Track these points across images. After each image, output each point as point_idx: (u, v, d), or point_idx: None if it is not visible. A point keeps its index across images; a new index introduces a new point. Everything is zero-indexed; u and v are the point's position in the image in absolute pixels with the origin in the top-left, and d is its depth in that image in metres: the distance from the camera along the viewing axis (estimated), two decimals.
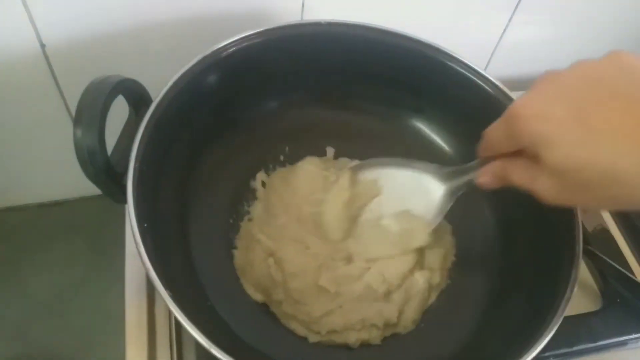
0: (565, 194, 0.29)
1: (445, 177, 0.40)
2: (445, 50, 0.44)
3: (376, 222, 0.42)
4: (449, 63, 0.44)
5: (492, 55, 0.61)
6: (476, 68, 0.44)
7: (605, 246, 0.50)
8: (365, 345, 0.38)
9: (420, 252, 0.42)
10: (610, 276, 0.47)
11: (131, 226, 0.32)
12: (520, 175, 0.31)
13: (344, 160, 0.47)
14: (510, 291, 0.40)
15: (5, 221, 0.62)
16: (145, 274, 0.43)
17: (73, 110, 0.53)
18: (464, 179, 0.39)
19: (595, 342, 0.43)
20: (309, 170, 0.45)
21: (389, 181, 0.42)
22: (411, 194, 0.41)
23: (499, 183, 0.34)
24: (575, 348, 0.43)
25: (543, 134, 0.27)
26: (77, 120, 0.32)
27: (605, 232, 0.52)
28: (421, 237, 0.41)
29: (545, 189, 0.29)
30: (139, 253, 0.31)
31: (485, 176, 0.35)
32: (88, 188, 0.62)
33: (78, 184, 0.63)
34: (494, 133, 0.32)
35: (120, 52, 0.48)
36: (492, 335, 0.38)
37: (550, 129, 0.27)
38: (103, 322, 0.58)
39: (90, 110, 0.33)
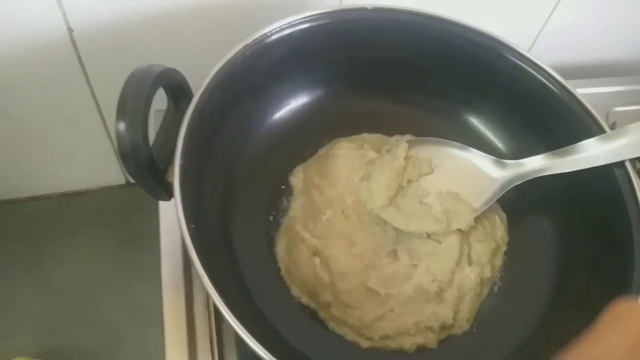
0: None
1: (500, 169, 0.41)
2: (498, 37, 0.42)
3: (422, 197, 0.42)
4: (502, 52, 0.42)
5: (535, 41, 0.58)
6: (530, 57, 0.42)
7: None
8: (420, 349, 0.37)
9: (467, 243, 0.41)
10: None
11: (180, 228, 0.30)
12: None
13: (396, 138, 0.45)
14: (571, 295, 0.38)
15: (27, 212, 0.60)
16: (182, 272, 0.42)
17: (99, 97, 0.51)
18: (519, 173, 0.40)
19: None
20: (343, 156, 0.43)
21: (443, 161, 0.42)
22: (463, 178, 0.42)
23: None
24: None
25: None
26: (121, 113, 0.30)
27: None
28: (464, 221, 0.40)
29: None
30: (191, 258, 0.29)
31: None
32: (109, 178, 0.62)
33: (100, 174, 0.61)
34: None
35: (151, 39, 0.46)
36: (554, 337, 0.36)
37: None
38: (129, 314, 0.57)
39: (134, 103, 0.30)
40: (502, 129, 0.45)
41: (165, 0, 0.43)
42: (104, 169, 0.60)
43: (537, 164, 0.40)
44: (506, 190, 0.41)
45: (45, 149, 0.56)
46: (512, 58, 0.42)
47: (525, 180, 0.40)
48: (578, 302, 0.37)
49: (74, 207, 0.61)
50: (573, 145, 0.38)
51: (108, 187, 0.63)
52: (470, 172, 0.42)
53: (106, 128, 0.54)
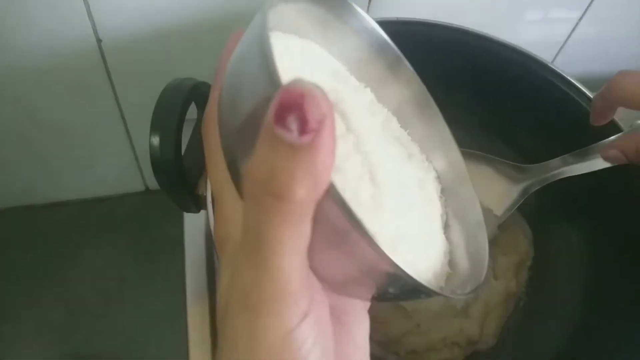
0: None
1: (520, 174, 0.41)
2: (522, 49, 0.42)
3: None
4: (527, 64, 0.42)
5: (558, 52, 0.58)
6: (555, 68, 0.42)
7: None
8: None
9: (491, 256, 0.41)
10: None
11: (214, 242, 0.30)
12: None
13: None
14: (600, 311, 0.37)
15: (47, 217, 0.61)
16: (206, 283, 0.43)
17: (124, 106, 0.51)
18: (540, 177, 0.40)
19: None
20: None
21: None
22: (483, 186, 0.41)
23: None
24: None
25: None
26: (155, 128, 0.30)
27: None
28: (487, 230, 0.39)
29: None
30: None
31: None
32: (129, 184, 0.62)
33: (119, 180, 0.62)
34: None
35: (178, 50, 0.46)
36: (582, 354, 0.36)
37: None
38: (149, 320, 0.57)
39: (168, 117, 0.30)
40: (526, 138, 0.45)
41: (194, 13, 0.44)
42: (123, 176, 0.61)
43: (557, 165, 0.39)
44: (528, 195, 0.40)
45: (68, 156, 0.56)
46: (537, 69, 0.42)
47: (547, 183, 0.39)
48: (607, 318, 0.36)
49: (93, 213, 0.62)
50: (591, 145, 0.38)
51: (127, 194, 0.63)
52: (490, 179, 0.42)
53: (129, 136, 0.55)
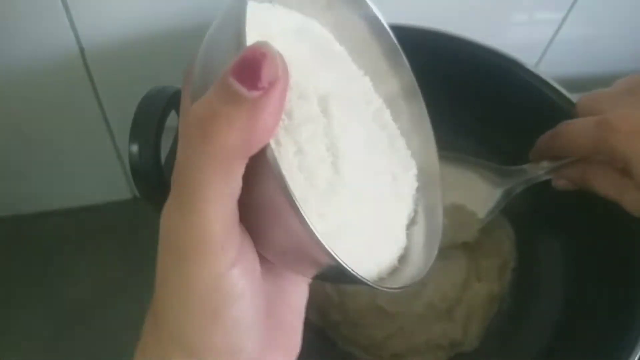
0: None
1: (503, 176, 0.40)
2: (504, 53, 0.42)
3: None
4: (509, 67, 0.42)
5: (543, 54, 0.58)
6: (536, 72, 0.42)
7: None
8: None
9: (474, 258, 0.41)
10: None
11: None
12: (604, 185, 0.31)
13: None
14: (583, 313, 0.38)
15: (34, 228, 0.60)
16: None
17: (109, 114, 0.51)
18: (522, 178, 0.39)
19: None
20: None
21: (444, 172, 0.42)
22: (466, 188, 0.41)
23: (577, 187, 0.34)
24: None
25: None
26: (134, 136, 0.31)
27: None
28: (469, 233, 0.40)
29: (634, 202, 0.29)
30: None
31: (561, 180, 0.35)
32: (116, 193, 0.62)
33: (105, 189, 0.62)
34: (578, 136, 0.32)
35: (162, 58, 0.46)
36: (565, 356, 0.36)
37: None
38: (137, 332, 0.57)
39: (147, 125, 0.31)
40: (509, 140, 0.45)
41: (176, 21, 0.44)
42: (110, 184, 0.61)
43: (539, 167, 0.40)
44: (510, 197, 0.40)
45: (53, 165, 0.56)
46: (520, 73, 0.42)
47: (530, 185, 0.39)
48: (591, 319, 0.37)
49: (80, 222, 0.61)
50: None
51: (114, 202, 0.63)
52: (473, 182, 0.41)
53: (115, 144, 0.55)
